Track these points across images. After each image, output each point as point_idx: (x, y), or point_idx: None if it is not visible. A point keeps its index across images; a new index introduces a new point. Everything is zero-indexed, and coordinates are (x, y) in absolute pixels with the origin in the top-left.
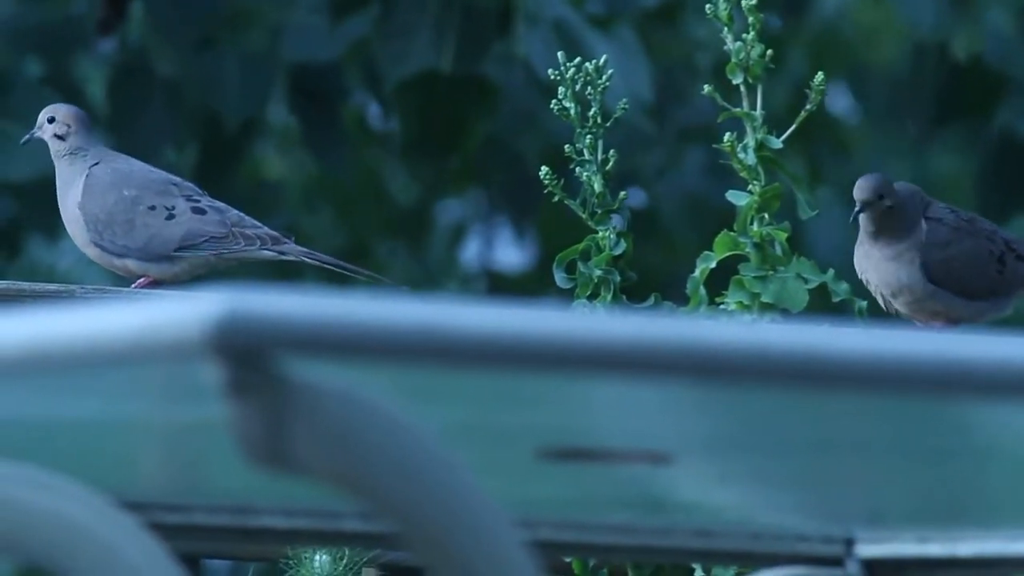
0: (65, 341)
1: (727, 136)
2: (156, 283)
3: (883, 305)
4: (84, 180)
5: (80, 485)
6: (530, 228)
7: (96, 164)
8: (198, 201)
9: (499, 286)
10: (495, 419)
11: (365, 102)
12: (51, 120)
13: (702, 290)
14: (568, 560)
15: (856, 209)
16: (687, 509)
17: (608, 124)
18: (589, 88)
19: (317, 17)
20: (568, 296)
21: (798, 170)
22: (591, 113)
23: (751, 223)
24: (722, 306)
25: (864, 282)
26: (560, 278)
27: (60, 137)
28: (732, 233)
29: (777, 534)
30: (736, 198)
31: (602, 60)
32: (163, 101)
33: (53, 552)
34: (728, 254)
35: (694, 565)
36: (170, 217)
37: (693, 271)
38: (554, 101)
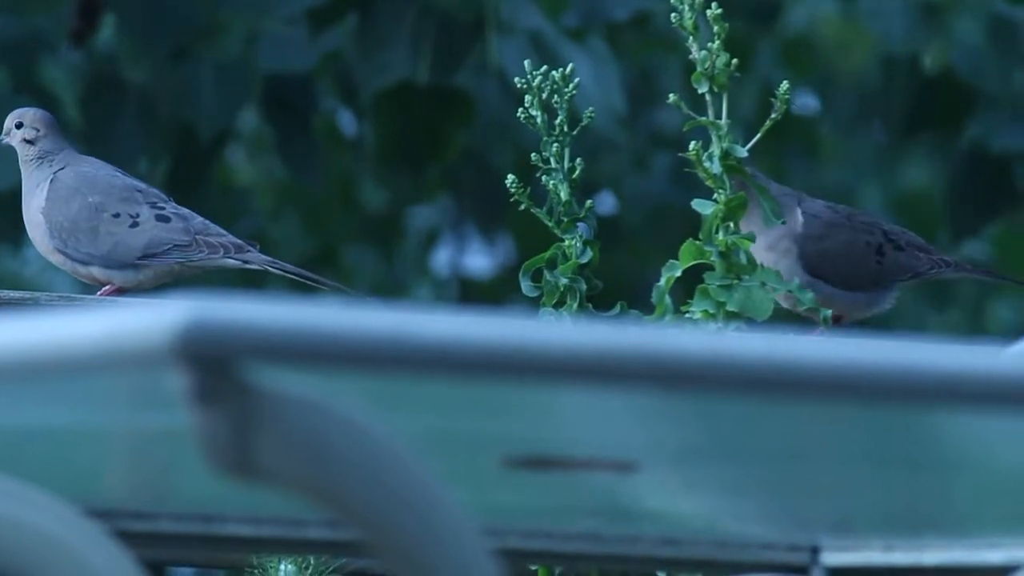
0: (29, 349)
1: (692, 145)
2: (122, 291)
3: None
4: (48, 185)
5: (46, 493)
6: (502, 234)
7: (61, 169)
8: (163, 208)
9: (470, 292)
10: (461, 427)
11: (335, 108)
12: (19, 125)
13: (667, 299)
14: (534, 568)
15: None
16: (653, 517)
17: (575, 132)
18: (556, 96)
19: (291, 28)
20: (535, 304)
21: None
22: (557, 121)
23: (716, 232)
24: (687, 315)
25: None
26: (526, 286)
27: (29, 142)
28: (697, 242)
29: (743, 542)
30: (701, 207)
31: (568, 68)
32: (136, 112)
33: (19, 560)
34: (693, 263)
35: (660, 573)
36: (134, 225)
37: (659, 279)
38: (520, 109)
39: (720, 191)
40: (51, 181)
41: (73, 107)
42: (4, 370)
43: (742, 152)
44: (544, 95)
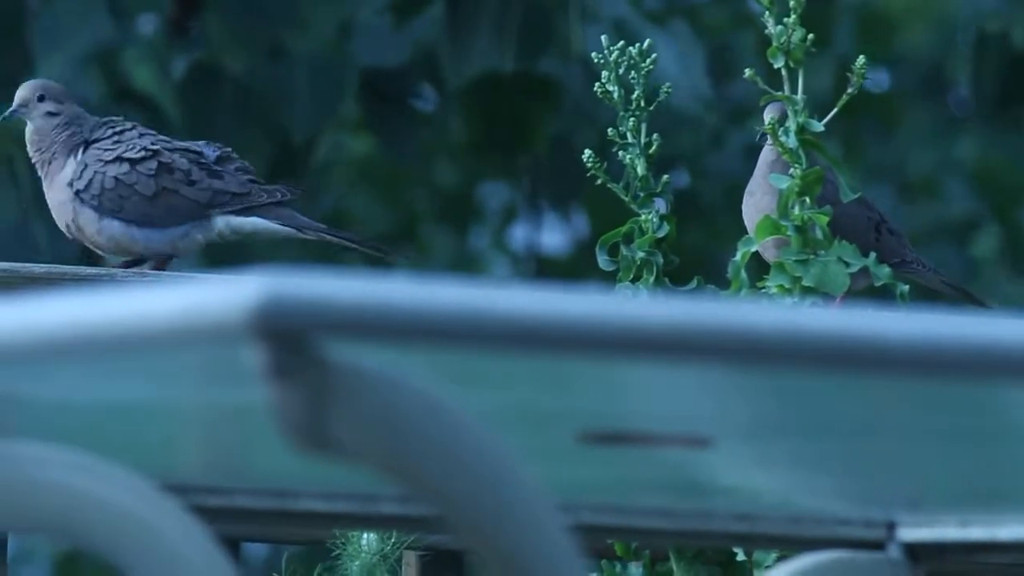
0: (107, 325)
1: (768, 119)
2: (164, 265)
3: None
4: (83, 155)
5: (123, 468)
6: (578, 211)
7: (95, 136)
8: (207, 164)
9: (547, 269)
10: (536, 403)
11: (415, 84)
12: (41, 98)
13: (743, 274)
14: (610, 542)
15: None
16: (728, 493)
17: (651, 108)
18: (633, 72)
19: (381, 19)
20: (611, 279)
21: (839, 151)
22: (634, 96)
23: (792, 207)
24: (763, 290)
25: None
26: (603, 261)
27: (53, 114)
28: (773, 216)
29: (818, 518)
30: (778, 181)
31: (645, 44)
32: (233, 105)
33: (96, 534)
34: (770, 237)
35: (735, 549)
36: (190, 183)
37: (735, 254)
38: (597, 84)
39: (796, 165)
40: (85, 150)
41: (169, 107)
42: (81, 346)
43: (818, 127)
44: (621, 71)
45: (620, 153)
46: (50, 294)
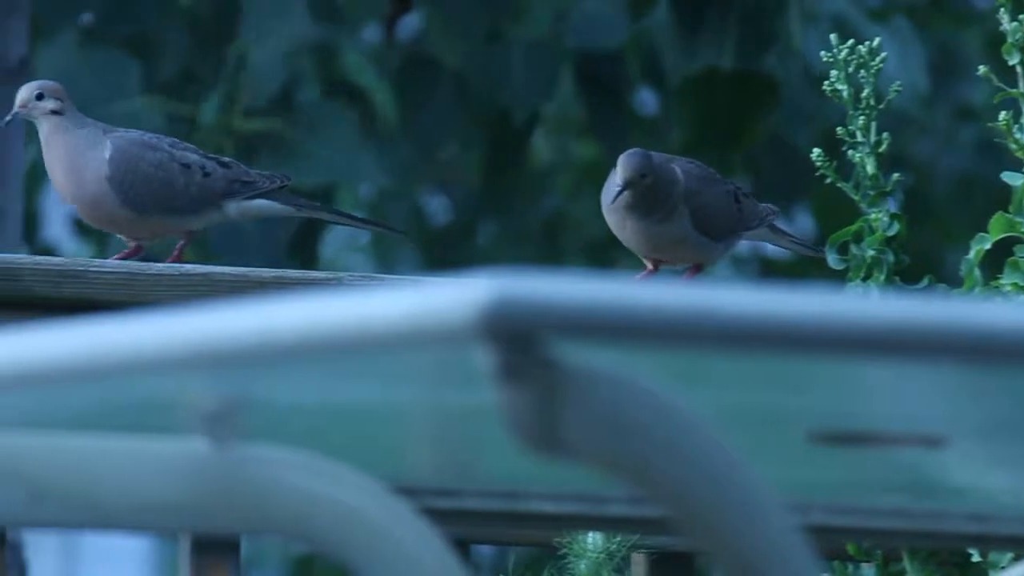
0: (336, 328)
1: (1002, 115)
2: (140, 248)
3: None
4: (109, 148)
5: (355, 471)
6: (802, 212)
7: (106, 132)
8: (210, 157)
9: (769, 270)
10: (766, 403)
11: (635, 87)
12: (40, 96)
13: (977, 272)
14: (842, 543)
15: (619, 189)
16: (962, 493)
17: (881, 106)
18: (862, 71)
19: (600, 3)
20: (840, 278)
21: None
22: (864, 95)
23: None
24: (997, 288)
25: (623, 240)
26: (833, 259)
27: (57, 112)
28: (1007, 214)
29: None
30: (1011, 179)
31: (875, 42)
32: (449, 95)
33: (330, 537)
34: (1003, 235)
35: (970, 550)
36: (206, 174)
37: (966, 253)
38: (826, 83)
39: None
40: (109, 145)
41: (386, 102)
42: (312, 349)
43: None
44: (850, 69)
45: (849, 152)
46: (280, 298)
